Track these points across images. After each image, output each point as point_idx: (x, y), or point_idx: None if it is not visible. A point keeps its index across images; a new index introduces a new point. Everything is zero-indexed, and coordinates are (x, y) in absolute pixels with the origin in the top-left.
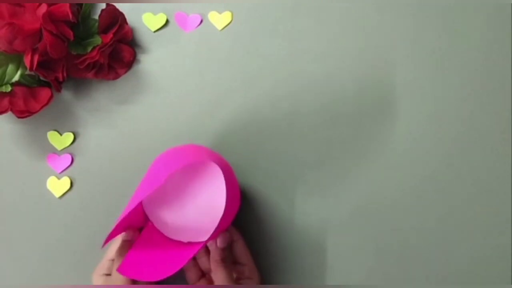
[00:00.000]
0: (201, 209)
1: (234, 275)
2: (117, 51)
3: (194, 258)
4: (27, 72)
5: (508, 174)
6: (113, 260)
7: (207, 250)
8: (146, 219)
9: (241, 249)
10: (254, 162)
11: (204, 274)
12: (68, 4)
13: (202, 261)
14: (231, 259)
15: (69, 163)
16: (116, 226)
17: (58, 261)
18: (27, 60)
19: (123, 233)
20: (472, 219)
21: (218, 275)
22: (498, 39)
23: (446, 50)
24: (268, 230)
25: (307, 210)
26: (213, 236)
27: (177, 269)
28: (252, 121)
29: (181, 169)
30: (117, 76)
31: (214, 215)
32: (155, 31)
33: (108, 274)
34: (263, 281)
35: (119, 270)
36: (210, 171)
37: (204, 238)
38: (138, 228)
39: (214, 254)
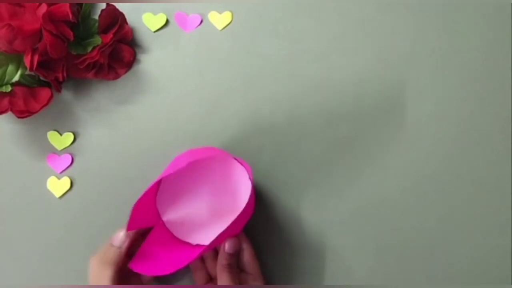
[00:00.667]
0: (215, 212)
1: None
2: (117, 51)
3: (203, 261)
4: (27, 72)
5: (508, 174)
6: (118, 247)
7: (216, 254)
8: (158, 218)
9: (248, 258)
10: (254, 162)
11: (212, 278)
12: (68, 4)
13: (211, 265)
14: (238, 266)
15: (69, 163)
16: (133, 211)
17: (58, 261)
18: (27, 60)
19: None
20: (472, 219)
21: (222, 280)
22: (498, 39)
23: (446, 50)
24: (267, 229)
25: (307, 210)
26: (222, 239)
27: (182, 265)
28: (252, 121)
29: (208, 159)
30: (117, 76)
31: (228, 220)
32: (155, 31)
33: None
34: None
35: (131, 265)
36: (234, 175)
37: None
38: (149, 226)
39: (221, 258)
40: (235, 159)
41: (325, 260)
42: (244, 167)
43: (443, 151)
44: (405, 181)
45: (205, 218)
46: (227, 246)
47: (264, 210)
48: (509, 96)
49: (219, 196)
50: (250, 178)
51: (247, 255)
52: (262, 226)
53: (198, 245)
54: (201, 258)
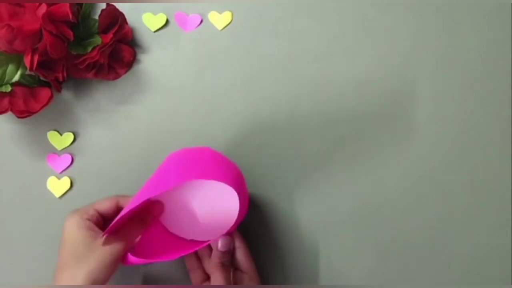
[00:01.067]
0: (209, 209)
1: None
2: (117, 51)
3: (200, 261)
4: (27, 72)
5: (508, 174)
6: (99, 212)
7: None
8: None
9: (242, 256)
10: (253, 161)
11: (209, 277)
12: (68, 4)
13: (206, 264)
14: (233, 264)
15: (69, 163)
16: (116, 221)
17: None
18: (27, 60)
19: None
20: (472, 219)
21: (215, 278)
22: (498, 39)
23: (446, 50)
24: (267, 229)
25: (307, 210)
26: (216, 239)
27: (175, 257)
28: (252, 121)
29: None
30: (117, 76)
31: (221, 216)
32: (155, 31)
33: (88, 219)
34: None
35: (129, 261)
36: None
37: (207, 238)
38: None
39: (214, 257)
40: (225, 164)
41: (325, 260)
42: (234, 173)
43: (443, 151)
44: (405, 181)
45: (198, 215)
46: (220, 244)
47: (263, 210)
48: (509, 96)
49: (212, 194)
50: (242, 181)
51: (241, 253)
52: (261, 226)
53: (192, 241)
54: (197, 258)
